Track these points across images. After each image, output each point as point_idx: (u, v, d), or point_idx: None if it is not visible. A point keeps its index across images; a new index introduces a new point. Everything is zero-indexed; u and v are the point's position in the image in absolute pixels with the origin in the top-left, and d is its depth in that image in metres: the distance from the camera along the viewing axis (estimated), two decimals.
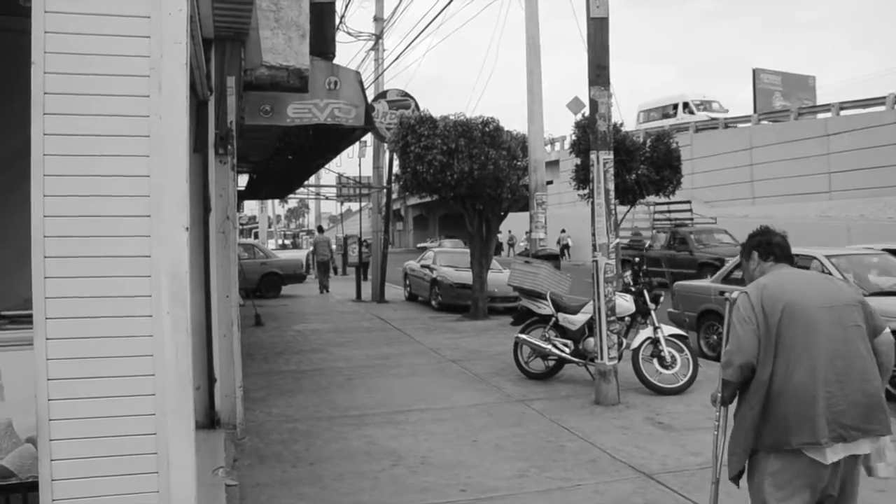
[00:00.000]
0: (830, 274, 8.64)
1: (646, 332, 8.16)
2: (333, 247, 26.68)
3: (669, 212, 23.00)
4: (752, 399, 3.34)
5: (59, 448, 2.88)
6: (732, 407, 3.55)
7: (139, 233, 2.96)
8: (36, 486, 2.93)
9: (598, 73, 7.65)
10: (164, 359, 2.96)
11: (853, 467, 3.31)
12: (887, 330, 3.41)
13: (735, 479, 3.46)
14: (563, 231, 37.24)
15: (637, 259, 8.59)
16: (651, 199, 18.39)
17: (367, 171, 22.55)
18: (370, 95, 16.02)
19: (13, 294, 4.63)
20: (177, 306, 2.99)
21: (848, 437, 3.17)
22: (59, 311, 2.87)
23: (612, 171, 7.67)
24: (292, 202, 79.28)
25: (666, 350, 7.98)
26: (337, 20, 12.58)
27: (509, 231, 42.04)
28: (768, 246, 3.65)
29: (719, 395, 3.59)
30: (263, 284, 20.52)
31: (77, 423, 2.89)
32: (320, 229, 30.47)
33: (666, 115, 45.20)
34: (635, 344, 8.11)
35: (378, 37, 21.00)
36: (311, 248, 25.93)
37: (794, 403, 3.22)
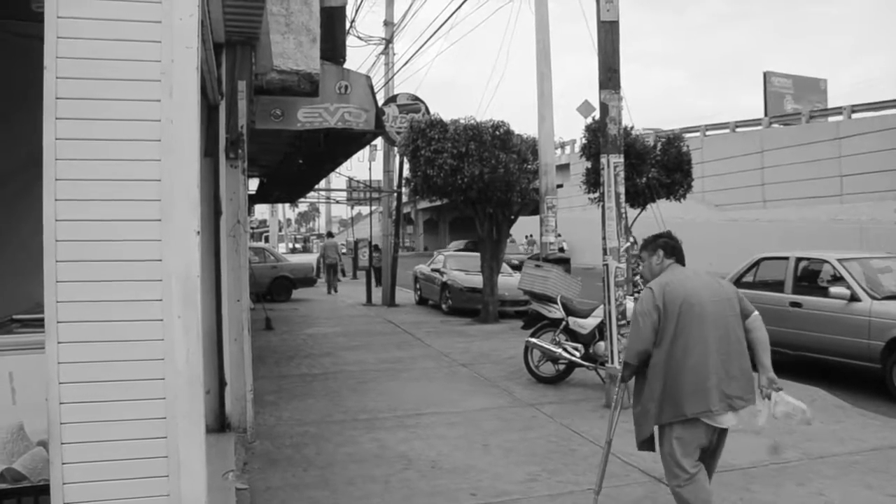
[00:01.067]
0: (843, 278, 8.61)
1: None
2: (343, 251, 27.44)
3: None
4: (655, 377, 4.10)
5: (70, 451, 2.88)
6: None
7: (150, 237, 2.97)
8: (47, 489, 2.94)
9: (609, 76, 7.64)
10: (175, 362, 2.97)
11: (726, 432, 4.20)
12: (756, 313, 4.30)
13: (644, 444, 4.29)
14: (559, 235, 37.20)
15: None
16: None
17: (378, 174, 22.62)
18: (380, 99, 16.05)
19: (25, 298, 4.67)
20: (188, 310, 3.00)
21: (735, 405, 4.02)
22: (70, 315, 2.88)
23: (622, 174, 7.64)
24: (303, 206, 79.51)
25: None
26: (347, 25, 12.60)
27: (510, 234, 42.02)
28: (673, 248, 4.40)
29: (619, 374, 4.50)
30: (274, 288, 20.57)
31: (88, 427, 2.90)
32: (330, 234, 32.19)
33: None
34: None
35: (388, 41, 21.05)
36: (322, 252, 26.83)
37: (691, 380, 3.98)
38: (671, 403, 4.04)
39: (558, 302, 8.84)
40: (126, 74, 2.96)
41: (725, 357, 4.03)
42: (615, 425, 4.62)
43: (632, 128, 16.28)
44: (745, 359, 4.13)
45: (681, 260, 4.38)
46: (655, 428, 4.19)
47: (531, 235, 39.38)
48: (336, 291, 23.84)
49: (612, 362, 7.48)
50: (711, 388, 3.95)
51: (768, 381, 4.24)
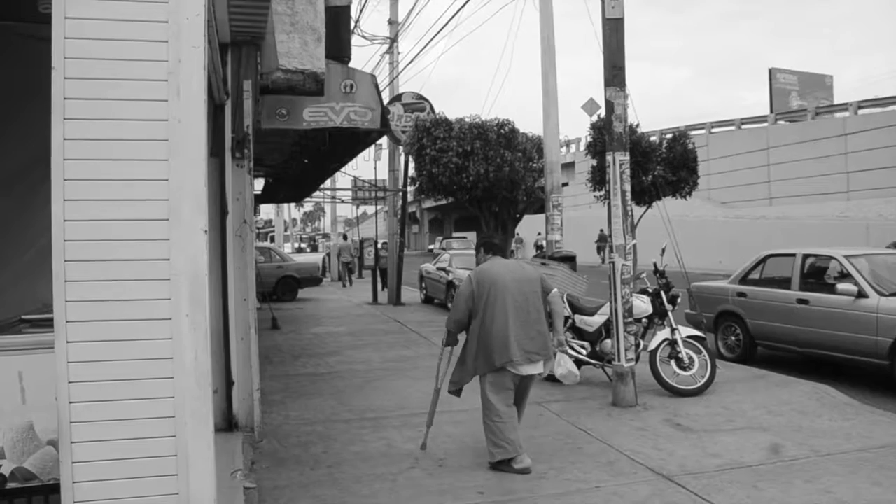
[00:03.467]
0: (850, 275, 8.58)
1: (663, 334, 8.11)
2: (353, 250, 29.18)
3: None
4: (473, 339, 5.61)
5: (80, 450, 2.90)
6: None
7: (158, 236, 2.98)
8: (57, 488, 2.95)
9: (614, 73, 7.63)
10: (184, 361, 2.98)
11: (531, 379, 5.74)
12: (555, 290, 5.84)
13: (455, 392, 5.94)
14: (539, 234, 37.16)
15: (654, 262, 8.55)
16: None
17: (383, 173, 22.69)
18: (385, 98, 16.05)
19: (33, 298, 4.67)
20: (196, 309, 3.01)
21: (532, 359, 5.51)
22: (79, 315, 2.89)
23: (628, 172, 7.63)
24: (308, 205, 79.58)
25: (683, 351, 7.93)
26: (352, 24, 12.60)
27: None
28: (491, 246, 6.03)
29: (444, 339, 6.04)
30: (280, 288, 20.60)
31: (98, 426, 2.91)
32: (345, 237, 34.81)
33: None
34: (653, 345, 8.06)
35: (393, 40, 21.03)
36: (337, 251, 29.58)
37: (496, 339, 5.45)
38: (484, 358, 5.52)
39: (564, 300, 8.82)
40: (133, 74, 2.97)
41: (525, 322, 5.50)
42: (442, 375, 6.09)
43: (637, 125, 16.28)
44: (541, 324, 5.60)
45: (499, 254, 5.98)
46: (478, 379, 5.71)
47: (518, 233, 39.36)
48: (351, 285, 27.04)
49: (619, 360, 7.48)
50: (512, 345, 5.41)
51: (558, 342, 5.82)
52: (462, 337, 5.92)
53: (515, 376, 5.53)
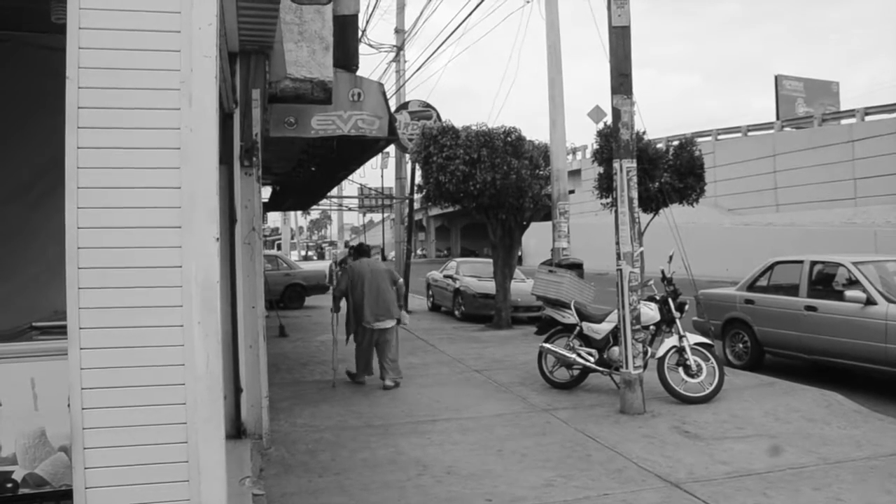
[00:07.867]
0: (859, 282, 8.57)
1: (671, 341, 8.11)
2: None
3: None
4: (350, 306, 9.26)
5: (93, 456, 2.91)
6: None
7: (171, 244, 3.00)
8: (69, 494, 2.97)
9: (621, 81, 7.64)
10: (195, 368, 2.99)
11: (384, 332, 9.20)
12: (400, 280, 9.59)
13: (346, 339, 9.43)
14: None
15: (662, 269, 8.53)
16: None
17: (390, 181, 22.73)
18: (392, 106, 16.08)
19: (44, 305, 4.70)
20: (207, 316, 3.02)
21: (380, 319, 9.10)
22: (92, 321, 2.91)
23: (635, 179, 7.64)
24: (315, 214, 79.71)
25: (691, 359, 7.92)
26: (359, 33, 12.64)
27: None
28: (360, 251, 9.80)
29: (332, 307, 9.50)
30: (287, 295, 20.62)
31: (110, 432, 2.92)
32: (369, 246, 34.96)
33: None
34: (660, 353, 8.05)
35: (399, 48, 21.13)
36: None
37: (358, 307, 9.15)
38: (355, 319, 9.20)
39: (572, 307, 8.83)
40: (146, 83, 2.99)
41: (375, 297, 9.06)
42: (335, 328, 9.47)
43: (644, 133, 16.26)
44: (387, 298, 9.14)
45: (364, 255, 9.67)
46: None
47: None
48: None
49: (627, 367, 7.47)
50: (367, 310, 9.02)
51: (400, 307, 9.40)
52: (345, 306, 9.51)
53: (373, 330, 9.12)
